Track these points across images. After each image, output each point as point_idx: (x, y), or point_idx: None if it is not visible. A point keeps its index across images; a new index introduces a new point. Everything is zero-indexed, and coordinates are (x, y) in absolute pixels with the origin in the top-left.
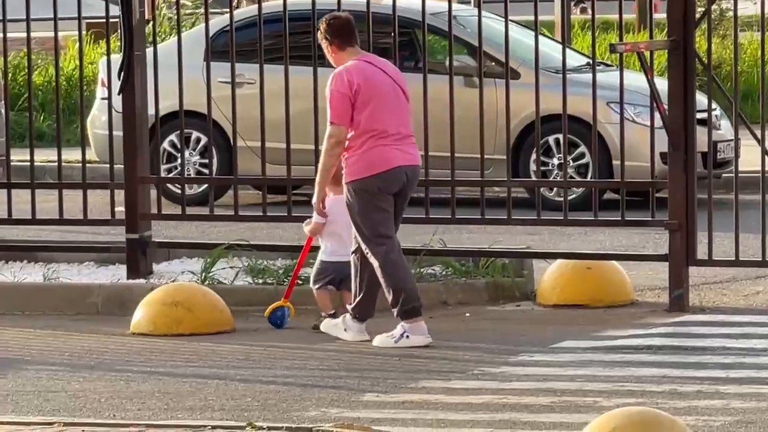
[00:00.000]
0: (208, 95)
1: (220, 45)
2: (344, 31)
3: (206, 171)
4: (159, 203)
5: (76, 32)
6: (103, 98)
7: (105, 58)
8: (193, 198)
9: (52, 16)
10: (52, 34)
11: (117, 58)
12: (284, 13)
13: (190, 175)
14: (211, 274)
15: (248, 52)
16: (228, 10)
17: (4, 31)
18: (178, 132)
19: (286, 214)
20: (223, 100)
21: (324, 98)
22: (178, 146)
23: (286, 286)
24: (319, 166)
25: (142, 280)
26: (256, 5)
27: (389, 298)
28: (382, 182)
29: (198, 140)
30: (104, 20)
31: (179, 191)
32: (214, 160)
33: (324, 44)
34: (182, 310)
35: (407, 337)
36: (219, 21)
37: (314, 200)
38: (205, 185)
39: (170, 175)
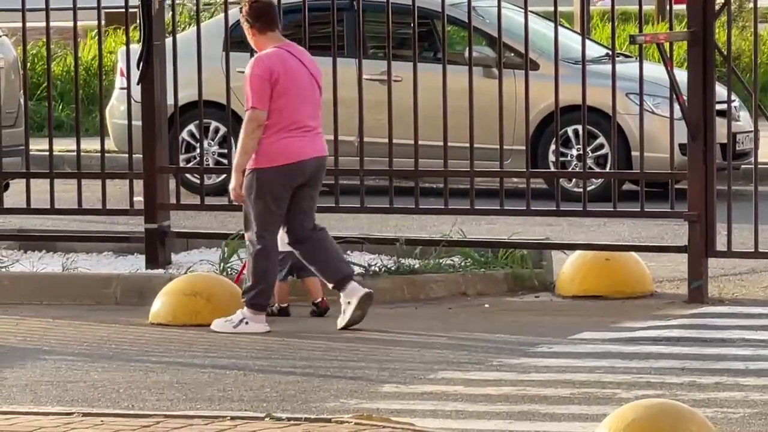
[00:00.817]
0: (227, 85)
1: (239, 35)
2: (266, 15)
3: (225, 161)
4: (178, 193)
5: (95, 22)
6: (122, 88)
7: (124, 47)
8: (212, 188)
9: (71, 5)
10: (70, 23)
11: (136, 48)
12: (303, 4)
13: (208, 165)
14: (229, 264)
15: None
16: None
17: (24, 21)
18: (197, 122)
19: None
20: (242, 90)
21: (345, 87)
22: (197, 136)
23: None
24: (238, 150)
25: (160, 270)
26: None
27: (248, 283)
28: (285, 174)
29: (217, 130)
30: (123, 10)
31: (198, 181)
32: (233, 150)
33: (245, 27)
34: (201, 300)
35: (246, 323)
36: (238, 11)
37: (232, 185)
38: (224, 175)
39: (189, 165)
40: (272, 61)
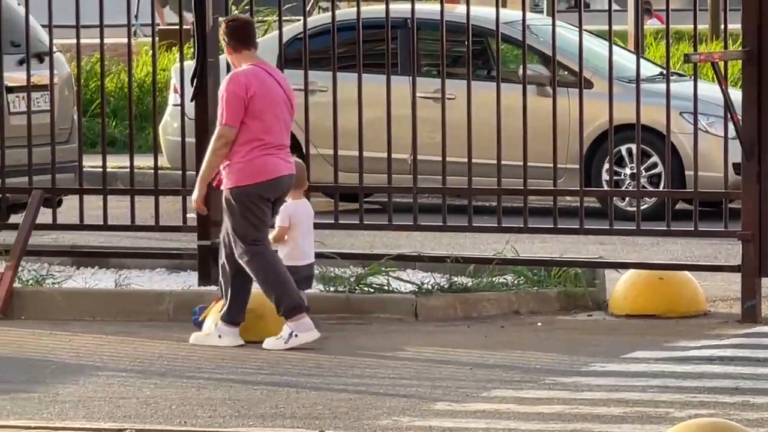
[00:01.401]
0: None
1: (293, 52)
2: (241, 34)
3: None
4: None
5: (149, 38)
6: (175, 105)
7: (178, 64)
8: None
9: (125, 22)
10: (124, 40)
11: (189, 65)
12: (358, 21)
13: None
14: None
15: (320, 60)
16: (301, 17)
17: (78, 37)
18: None
19: (358, 222)
20: (297, 108)
21: (398, 105)
22: None
23: (358, 294)
24: (204, 164)
25: (213, 287)
26: (330, 13)
27: (272, 301)
28: (264, 190)
29: None
30: (177, 27)
31: None
32: None
33: (223, 44)
34: (253, 317)
35: (296, 336)
36: (292, 28)
37: (194, 197)
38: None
39: None
40: (248, 78)
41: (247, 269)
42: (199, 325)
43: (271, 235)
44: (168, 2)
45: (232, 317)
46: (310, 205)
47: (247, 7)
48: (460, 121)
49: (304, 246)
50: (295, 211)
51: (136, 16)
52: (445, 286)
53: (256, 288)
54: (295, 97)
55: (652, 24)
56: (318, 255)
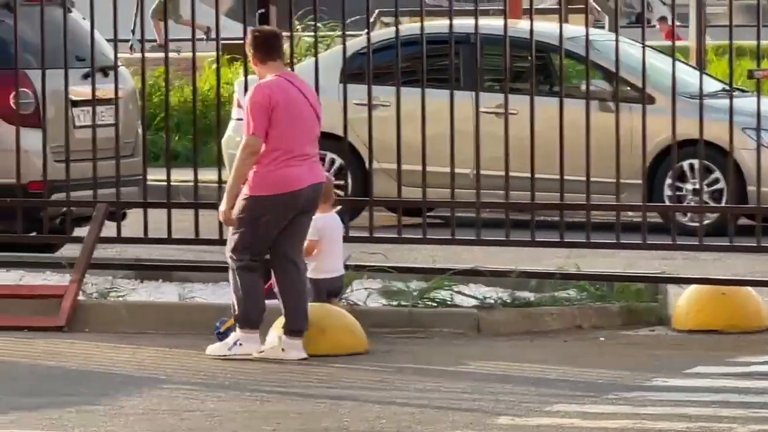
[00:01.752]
0: (344, 117)
1: (356, 67)
2: (267, 45)
3: (341, 192)
4: None
5: (213, 53)
6: (238, 119)
7: (241, 79)
8: None
9: (189, 37)
10: (188, 54)
11: (253, 80)
12: (421, 36)
13: None
14: (345, 295)
15: (383, 75)
16: (363, 32)
17: (143, 51)
18: None
19: (421, 236)
20: (358, 122)
21: (461, 120)
22: None
23: (421, 308)
24: (231, 175)
25: (275, 301)
26: (393, 28)
27: (233, 303)
28: (281, 204)
29: (332, 162)
30: (241, 41)
31: None
32: (349, 182)
33: (249, 55)
34: (317, 331)
35: (240, 344)
36: (355, 43)
37: (222, 208)
38: (340, 206)
39: None
40: (272, 89)
41: (230, 269)
42: (219, 337)
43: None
44: (166, 14)
45: (292, 327)
46: (339, 219)
47: (310, 22)
48: (522, 136)
49: (333, 259)
50: (324, 225)
51: (132, 31)
52: (508, 301)
53: (317, 304)
54: (321, 107)
55: (712, 39)
56: (380, 269)
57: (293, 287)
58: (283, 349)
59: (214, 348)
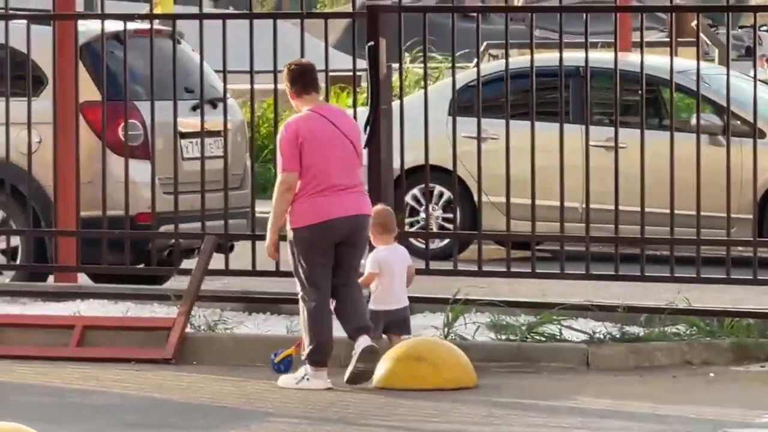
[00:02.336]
0: (454, 150)
1: (465, 100)
2: (301, 79)
3: (449, 226)
4: None
5: (321, 84)
6: None
7: (350, 111)
8: (436, 252)
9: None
10: None
11: (362, 111)
12: (531, 69)
13: (432, 229)
14: (453, 329)
15: (492, 107)
16: (472, 64)
17: (252, 83)
18: (422, 186)
19: (529, 270)
20: (466, 155)
21: (569, 153)
22: (421, 200)
23: (530, 342)
24: (271, 212)
25: (405, 336)
26: (502, 61)
27: (305, 341)
28: (317, 233)
29: (440, 195)
30: (351, 73)
31: (422, 245)
32: (458, 215)
33: (286, 89)
34: (425, 365)
35: (307, 380)
36: (464, 75)
37: (266, 244)
38: (448, 240)
39: (413, 229)
40: (298, 124)
41: (300, 304)
42: (274, 368)
43: (360, 279)
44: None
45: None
46: (403, 250)
47: (420, 54)
48: (631, 169)
49: (394, 290)
50: (385, 257)
51: None
52: (617, 336)
53: (424, 336)
54: (359, 139)
55: None
56: (489, 303)
57: (349, 299)
58: (307, 379)
59: (284, 380)
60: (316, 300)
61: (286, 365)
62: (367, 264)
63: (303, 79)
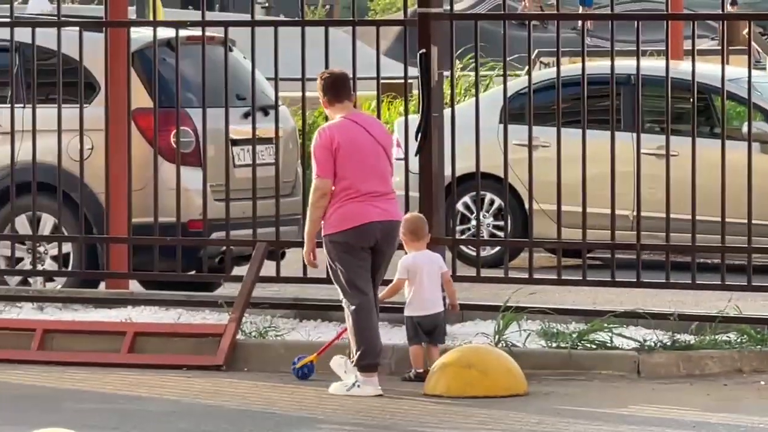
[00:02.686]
0: (505, 158)
1: (516, 107)
2: (333, 88)
3: (500, 233)
4: (453, 264)
5: (373, 92)
6: (397, 159)
7: (401, 118)
8: (487, 260)
9: (350, 76)
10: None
11: (413, 119)
12: (582, 77)
13: (483, 237)
14: (504, 336)
15: (543, 115)
16: (525, 71)
17: (303, 91)
18: (473, 194)
19: (580, 278)
20: (517, 163)
21: (620, 161)
22: (472, 208)
23: (581, 350)
24: (307, 219)
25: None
26: (554, 68)
27: (352, 347)
28: (352, 237)
29: (492, 202)
30: (402, 81)
31: (473, 253)
32: (509, 223)
33: (320, 98)
34: (476, 372)
35: (358, 386)
36: (515, 83)
37: (304, 251)
38: (499, 247)
39: (465, 237)
40: (332, 130)
41: (345, 312)
42: (295, 372)
43: (383, 293)
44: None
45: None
46: (435, 255)
47: (471, 61)
48: (683, 177)
49: (425, 296)
50: (413, 263)
51: None
52: (668, 344)
53: (475, 344)
54: (391, 146)
55: None
56: (539, 311)
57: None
58: (358, 385)
59: (335, 387)
60: (358, 303)
61: (309, 370)
62: (397, 270)
63: (335, 87)
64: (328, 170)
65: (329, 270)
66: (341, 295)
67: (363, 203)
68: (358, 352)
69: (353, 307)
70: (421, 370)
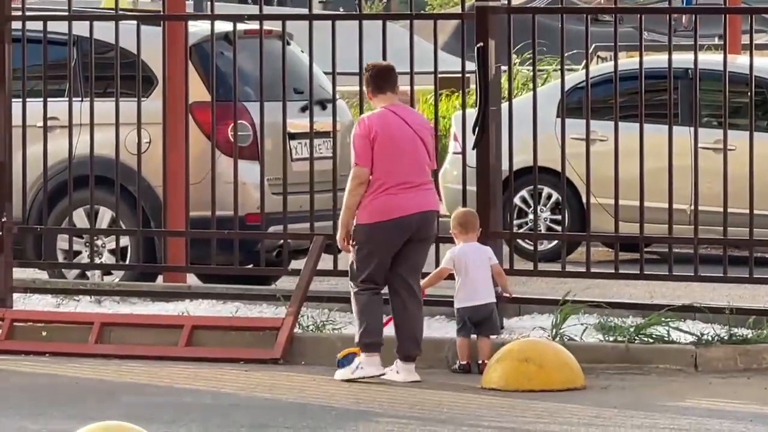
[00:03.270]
0: (562, 152)
1: (574, 101)
2: (378, 79)
3: (557, 227)
4: (511, 258)
5: (431, 86)
6: (455, 153)
7: (458, 112)
8: (544, 254)
9: (407, 70)
10: (405, 87)
11: (471, 113)
12: (640, 71)
13: (541, 231)
14: (561, 330)
15: (601, 109)
16: (580, 66)
17: (360, 85)
18: (530, 187)
19: (637, 272)
20: (574, 157)
21: (678, 155)
22: (529, 202)
23: (638, 344)
24: (343, 205)
25: (492, 336)
26: (611, 62)
27: (355, 326)
28: (386, 231)
29: (549, 196)
30: (459, 75)
31: (530, 247)
32: (566, 217)
33: (366, 90)
34: (533, 366)
35: (361, 368)
36: (573, 77)
37: (338, 237)
38: (557, 241)
39: (522, 231)
40: (372, 121)
41: (351, 296)
42: (339, 364)
43: (424, 281)
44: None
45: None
46: (483, 247)
47: (529, 56)
48: (740, 171)
49: (472, 287)
50: (459, 254)
51: None
52: (725, 338)
53: (533, 337)
54: (429, 137)
55: None
56: (597, 305)
57: (405, 312)
58: (398, 372)
59: (341, 373)
60: (369, 293)
61: (349, 361)
62: (443, 260)
63: (378, 79)
64: (366, 159)
65: (352, 254)
66: (350, 279)
67: (398, 195)
68: (361, 329)
69: (364, 295)
70: (465, 363)
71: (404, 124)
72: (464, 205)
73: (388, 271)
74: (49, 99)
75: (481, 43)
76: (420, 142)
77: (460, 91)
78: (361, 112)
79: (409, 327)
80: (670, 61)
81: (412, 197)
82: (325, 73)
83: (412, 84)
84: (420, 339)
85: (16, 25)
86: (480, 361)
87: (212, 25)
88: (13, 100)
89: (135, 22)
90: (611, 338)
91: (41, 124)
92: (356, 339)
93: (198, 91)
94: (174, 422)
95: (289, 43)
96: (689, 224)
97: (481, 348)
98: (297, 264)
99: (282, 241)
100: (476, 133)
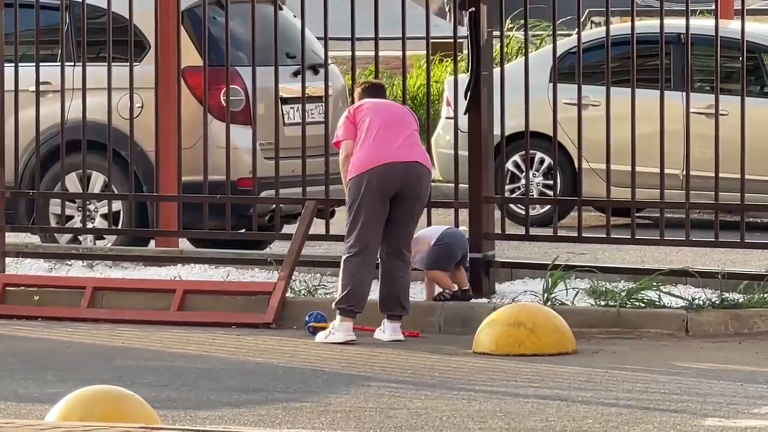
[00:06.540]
0: (554, 116)
1: (566, 66)
2: (369, 92)
3: (549, 192)
4: (503, 223)
5: (423, 51)
6: (448, 117)
7: (451, 77)
8: (536, 219)
9: (399, 35)
10: (397, 53)
11: (463, 78)
12: (632, 36)
13: (533, 195)
14: (552, 295)
15: (593, 74)
16: (573, 31)
17: (353, 50)
18: (522, 152)
19: (629, 237)
20: (567, 122)
21: (670, 120)
22: (522, 167)
23: (629, 308)
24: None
25: (484, 300)
26: (604, 27)
27: (338, 289)
28: (372, 178)
29: (541, 161)
30: (451, 40)
31: (522, 212)
32: (558, 182)
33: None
34: (525, 330)
35: (333, 333)
36: (566, 42)
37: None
38: (548, 206)
39: (514, 196)
40: (356, 104)
41: (342, 261)
42: (310, 330)
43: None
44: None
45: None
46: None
47: (521, 21)
48: (732, 137)
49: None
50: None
51: None
52: (717, 302)
53: (524, 302)
54: (412, 117)
55: None
56: (588, 269)
57: (390, 273)
58: (383, 331)
59: (319, 336)
60: (357, 251)
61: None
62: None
63: (369, 92)
64: (349, 132)
65: (346, 215)
66: (345, 242)
67: (383, 145)
68: (343, 293)
69: (351, 254)
70: (456, 289)
71: (392, 105)
72: (456, 169)
73: (380, 238)
74: (41, 64)
75: (473, 8)
76: (406, 112)
77: (453, 57)
78: (354, 77)
79: (392, 286)
80: (661, 25)
81: (397, 147)
82: (317, 38)
83: (404, 49)
84: (404, 301)
85: None
86: (466, 288)
87: None
88: (5, 64)
89: None
90: (602, 303)
91: (34, 88)
92: (334, 303)
93: (190, 56)
94: (166, 386)
95: (281, 8)
96: (681, 189)
97: (462, 277)
98: (289, 228)
99: (274, 205)
100: (468, 98)
